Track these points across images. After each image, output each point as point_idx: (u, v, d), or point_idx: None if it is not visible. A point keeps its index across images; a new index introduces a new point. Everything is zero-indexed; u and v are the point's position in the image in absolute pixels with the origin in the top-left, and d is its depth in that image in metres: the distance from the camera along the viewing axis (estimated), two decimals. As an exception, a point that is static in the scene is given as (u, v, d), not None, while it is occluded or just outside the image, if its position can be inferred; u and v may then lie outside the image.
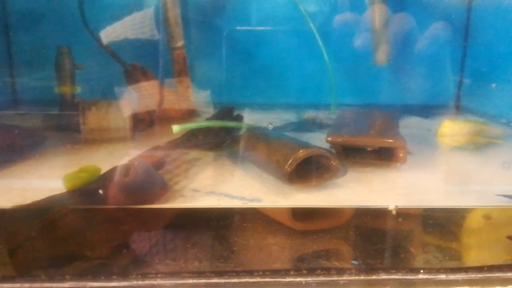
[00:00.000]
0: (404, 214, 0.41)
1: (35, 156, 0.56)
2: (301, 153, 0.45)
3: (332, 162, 0.47)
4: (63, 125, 0.64)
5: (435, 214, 0.43)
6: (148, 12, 0.80)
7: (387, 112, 0.64)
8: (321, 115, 0.82)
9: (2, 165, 0.51)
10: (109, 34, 0.75)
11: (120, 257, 0.36)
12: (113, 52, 0.71)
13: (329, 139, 0.53)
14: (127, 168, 0.44)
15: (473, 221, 0.44)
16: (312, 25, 0.86)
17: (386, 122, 0.59)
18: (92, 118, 0.63)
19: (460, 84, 0.98)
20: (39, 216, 0.36)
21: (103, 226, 0.37)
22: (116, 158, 0.57)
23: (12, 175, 0.50)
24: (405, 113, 0.90)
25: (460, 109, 0.96)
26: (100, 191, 0.36)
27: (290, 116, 0.85)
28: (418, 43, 0.95)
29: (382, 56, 0.80)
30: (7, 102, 0.91)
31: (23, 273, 0.35)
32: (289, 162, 0.45)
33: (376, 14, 0.79)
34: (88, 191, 0.37)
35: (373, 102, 0.96)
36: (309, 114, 0.85)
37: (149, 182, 0.43)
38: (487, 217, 0.45)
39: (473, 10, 0.96)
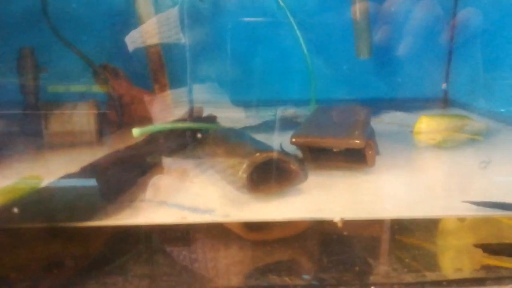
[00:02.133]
0: (359, 224, 0.39)
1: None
2: (257, 158, 0.43)
3: (291, 166, 0.45)
4: (27, 129, 0.62)
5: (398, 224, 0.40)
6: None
7: (361, 109, 0.61)
8: (299, 112, 0.80)
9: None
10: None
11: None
12: (79, 52, 0.69)
13: (293, 140, 0.51)
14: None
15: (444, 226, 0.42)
16: (291, 18, 0.83)
17: (357, 120, 0.56)
18: (55, 122, 0.61)
19: (447, 77, 0.94)
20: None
21: (29, 245, 0.34)
22: (75, 164, 0.55)
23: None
24: (390, 107, 0.87)
25: (448, 103, 0.93)
26: (15, 209, 0.34)
27: (269, 114, 0.83)
28: (403, 33, 0.91)
29: (364, 49, 0.77)
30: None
31: None
32: (243, 167, 0.42)
33: (357, 4, 0.76)
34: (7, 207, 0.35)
35: (359, 97, 0.93)
36: (287, 111, 0.82)
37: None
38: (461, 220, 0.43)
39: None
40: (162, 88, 0.85)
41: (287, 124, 0.75)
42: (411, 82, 0.92)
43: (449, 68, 0.94)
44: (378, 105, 0.89)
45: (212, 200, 0.44)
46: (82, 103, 0.64)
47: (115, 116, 0.70)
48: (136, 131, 0.55)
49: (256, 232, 0.41)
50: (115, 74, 0.74)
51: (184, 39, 0.72)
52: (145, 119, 0.75)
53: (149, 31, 0.74)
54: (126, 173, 0.45)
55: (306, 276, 0.36)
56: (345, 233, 0.39)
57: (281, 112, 0.83)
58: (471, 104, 0.87)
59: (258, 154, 0.43)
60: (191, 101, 0.71)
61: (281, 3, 0.82)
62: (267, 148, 0.47)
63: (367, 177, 0.49)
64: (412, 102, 0.92)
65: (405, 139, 0.62)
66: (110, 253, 0.37)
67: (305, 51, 0.83)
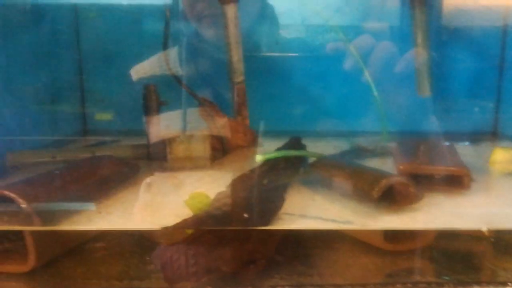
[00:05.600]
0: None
1: (134, 183, 0.64)
2: (386, 181, 0.52)
3: (410, 189, 0.54)
4: (150, 155, 0.71)
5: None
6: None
7: (446, 143, 0.71)
8: (373, 143, 0.89)
9: (109, 191, 0.59)
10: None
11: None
12: (187, 87, 0.79)
13: (401, 167, 0.60)
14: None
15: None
16: (360, 60, 0.93)
17: (448, 152, 0.65)
18: (177, 148, 0.71)
19: (497, 111, 1.04)
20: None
21: (232, 245, 0.44)
22: (208, 184, 0.64)
23: (124, 200, 0.57)
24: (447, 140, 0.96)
25: (498, 136, 1.02)
26: (245, 215, 0.43)
27: (341, 144, 0.91)
28: (455, 72, 1.03)
29: (425, 87, 0.87)
30: (78, 131, 1.01)
31: (173, 284, 0.42)
32: (376, 189, 0.51)
33: (420, 45, 0.86)
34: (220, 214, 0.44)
35: (411, 130, 1.02)
36: (360, 142, 0.91)
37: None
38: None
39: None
40: (244, 119, 0.95)
41: (364, 153, 0.84)
42: (463, 117, 1.02)
43: (499, 103, 1.03)
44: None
45: (346, 214, 0.53)
46: (197, 133, 0.74)
47: (218, 144, 0.79)
48: (258, 157, 0.65)
49: (392, 243, 0.50)
50: (212, 106, 0.85)
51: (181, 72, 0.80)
52: (241, 147, 0.85)
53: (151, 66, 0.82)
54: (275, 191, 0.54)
55: (446, 277, 0.44)
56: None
57: (353, 143, 0.91)
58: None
59: (388, 178, 0.52)
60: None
61: (355, 53, 0.92)
62: (387, 173, 0.56)
63: (467, 198, 0.57)
64: (465, 135, 1.01)
65: (481, 168, 0.71)
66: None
67: (374, 91, 0.92)
